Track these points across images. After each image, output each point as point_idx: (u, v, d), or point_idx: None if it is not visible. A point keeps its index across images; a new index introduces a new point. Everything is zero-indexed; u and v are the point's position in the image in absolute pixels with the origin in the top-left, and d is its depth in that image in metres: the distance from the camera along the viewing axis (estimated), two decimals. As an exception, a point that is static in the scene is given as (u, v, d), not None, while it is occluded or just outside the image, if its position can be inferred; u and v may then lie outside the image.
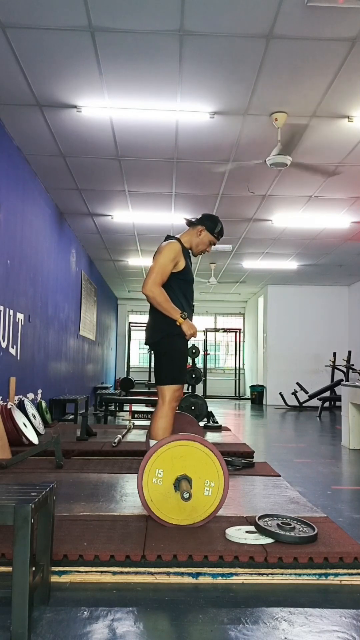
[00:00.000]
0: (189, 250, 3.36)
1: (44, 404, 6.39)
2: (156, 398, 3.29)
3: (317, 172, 5.79)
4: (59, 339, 7.52)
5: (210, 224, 3.32)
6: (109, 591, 1.97)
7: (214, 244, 3.40)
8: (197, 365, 8.01)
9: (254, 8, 3.24)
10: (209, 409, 6.91)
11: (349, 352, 11.08)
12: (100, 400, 9.38)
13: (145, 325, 3.32)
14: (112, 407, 8.80)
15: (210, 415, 6.82)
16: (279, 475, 3.87)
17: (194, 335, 3.14)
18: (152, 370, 14.24)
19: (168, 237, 3.31)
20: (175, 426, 3.37)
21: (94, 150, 5.32)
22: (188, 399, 6.72)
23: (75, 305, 8.79)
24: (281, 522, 2.36)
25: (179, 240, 3.27)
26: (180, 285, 3.20)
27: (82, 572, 2.06)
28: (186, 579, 2.07)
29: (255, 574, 2.09)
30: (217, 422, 6.71)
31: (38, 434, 5.09)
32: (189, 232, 3.34)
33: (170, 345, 3.12)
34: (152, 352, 3.29)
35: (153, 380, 14.61)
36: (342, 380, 10.57)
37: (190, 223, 3.37)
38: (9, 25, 3.45)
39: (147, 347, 3.15)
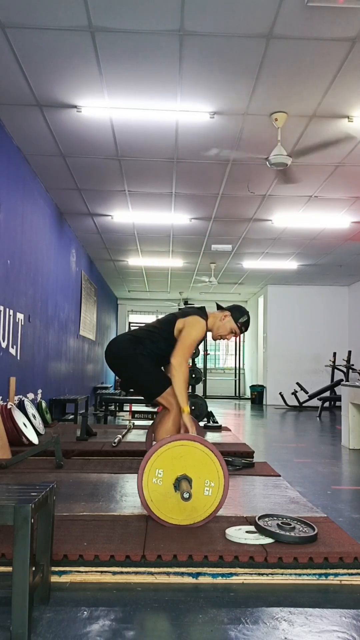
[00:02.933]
0: (209, 331, 3.43)
1: (44, 404, 6.39)
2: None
3: (317, 172, 5.79)
4: (59, 339, 7.52)
5: (237, 313, 3.42)
6: (109, 591, 1.97)
7: (236, 334, 3.45)
8: (197, 365, 8.00)
9: (253, 8, 3.24)
10: (209, 409, 6.91)
11: (349, 352, 11.08)
12: (100, 400, 9.38)
13: (109, 357, 3.34)
14: (112, 407, 8.80)
15: (210, 415, 6.82)
16: (279, 475, 3.87)
17: (188, 431, 3.09)
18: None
19: (201, 310, 3.40)
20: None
21: (93, 150, 5.32)
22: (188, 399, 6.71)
23: (75, 305, 8.78)
24: (281, 522, 2.36)
25: (207, 319, 3.37)
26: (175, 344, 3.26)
27: (82, 572, 2.06)
28: (186, 579, 2.07)
29: (255, 574, 2.09)
30: (217, 422, 6.71)
31: (38, 434, 5.09)
32: (215, 314, 3.44)
33: (135, 361, 3.22)
34: (122, 381, 3.36)
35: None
36: (342, 380, 10.57)
37: (219, 307, 3.50)
38: (9, 25, 3.45)
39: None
